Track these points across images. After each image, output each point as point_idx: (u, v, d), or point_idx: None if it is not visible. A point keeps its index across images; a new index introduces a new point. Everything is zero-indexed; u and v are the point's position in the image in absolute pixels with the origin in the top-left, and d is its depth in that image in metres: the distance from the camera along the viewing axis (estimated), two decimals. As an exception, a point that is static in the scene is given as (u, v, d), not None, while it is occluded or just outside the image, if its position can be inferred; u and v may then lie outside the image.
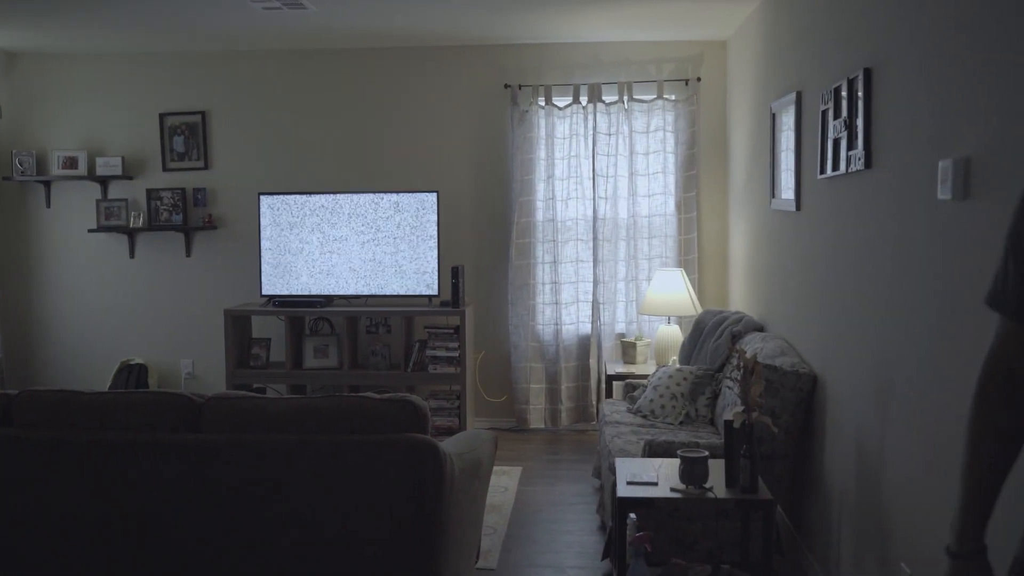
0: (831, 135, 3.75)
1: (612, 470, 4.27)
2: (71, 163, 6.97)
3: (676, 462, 3.58)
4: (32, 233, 7.19)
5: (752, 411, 3.35)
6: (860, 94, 3.36)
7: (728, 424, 3.40)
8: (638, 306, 6.53)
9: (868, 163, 3.30)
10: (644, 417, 4.97)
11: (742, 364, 3.39)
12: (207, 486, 3.03)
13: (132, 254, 7.11)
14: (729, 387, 3.98)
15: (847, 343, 3.60)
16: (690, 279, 6.27)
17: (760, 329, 5.12)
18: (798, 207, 4.40)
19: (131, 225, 6.98)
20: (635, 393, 5.30)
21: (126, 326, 7.13)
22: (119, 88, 7.05)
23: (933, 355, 2.71)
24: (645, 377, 5.67)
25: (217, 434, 3.06)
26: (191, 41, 6.59)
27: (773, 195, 4.98)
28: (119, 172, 6.95)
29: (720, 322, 5.28)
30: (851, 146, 3.49)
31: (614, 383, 6.10)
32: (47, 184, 7.10)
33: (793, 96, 4.44)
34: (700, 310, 5.92)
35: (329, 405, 3.09)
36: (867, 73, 3.30)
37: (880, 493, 3.15)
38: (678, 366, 5.21)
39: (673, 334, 5.97)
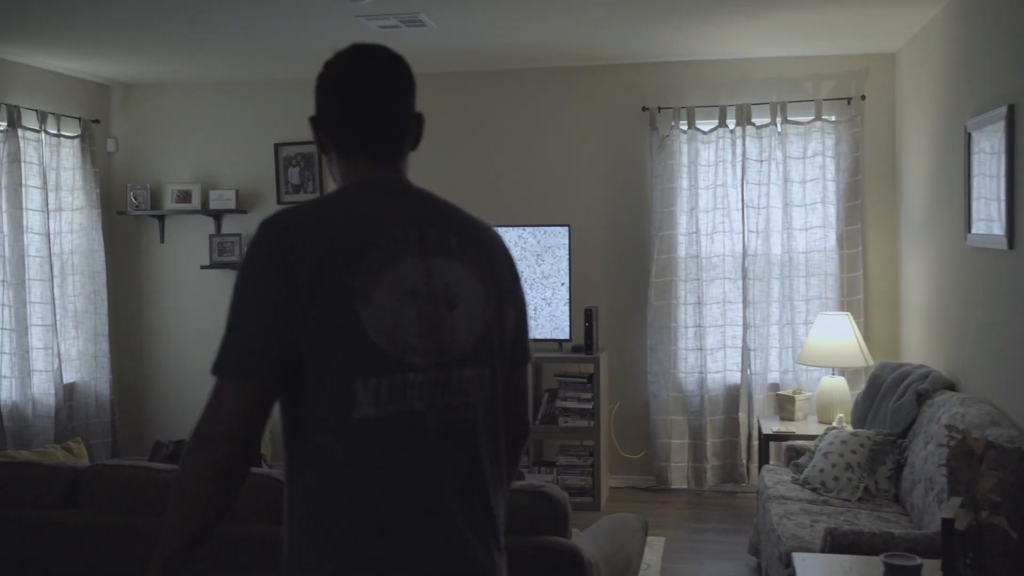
0: (1069, 156, 3.00)
1: (784, 562, 3.56)
2: (185, 196, 6.66)
3: (874, 563, 2.85)
4: (146, 268, 6.90)
5: (981, 509, 2.61)
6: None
7: (948, 523, 2.67)
8: (795, 354, 5.79)
9: None
10: (814, 490, 4.24)
11: (967, 447, 2.66)
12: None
13: (245, 292, 6.73)
14: (944, 475, 3.24)
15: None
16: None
17: (951, 387, 4.33)
18: (1011, 244, 3.63)
19: (244, 261, 6.60)
20: (800, 460, 4.55)
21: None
22: (233, 118, 6.72)
23: None
24: (808, 439, 4.92)
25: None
26: (306, 68, 6.18)
27: (969, 229, 4.20)
28: (233, 206, 6.60)
29: (901, 378, 4.51)
30: (1105, 169, 2.74)
31: (770, 443, 5.34)
32: (161, 218, 6.81)
33: (1001, 111, 3.68)
34: (871, 361, 5.15)
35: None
36: None
37: None
38: (852, 429, 4.45)
39: (839, 388, 5.20)
